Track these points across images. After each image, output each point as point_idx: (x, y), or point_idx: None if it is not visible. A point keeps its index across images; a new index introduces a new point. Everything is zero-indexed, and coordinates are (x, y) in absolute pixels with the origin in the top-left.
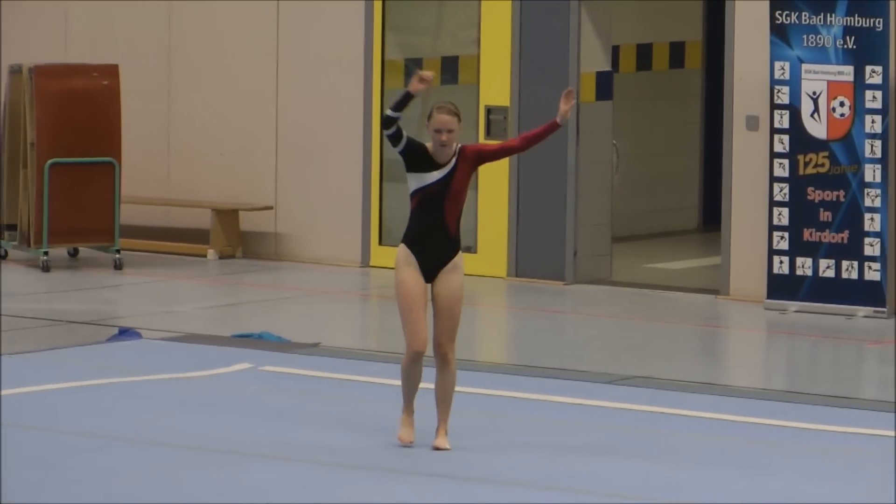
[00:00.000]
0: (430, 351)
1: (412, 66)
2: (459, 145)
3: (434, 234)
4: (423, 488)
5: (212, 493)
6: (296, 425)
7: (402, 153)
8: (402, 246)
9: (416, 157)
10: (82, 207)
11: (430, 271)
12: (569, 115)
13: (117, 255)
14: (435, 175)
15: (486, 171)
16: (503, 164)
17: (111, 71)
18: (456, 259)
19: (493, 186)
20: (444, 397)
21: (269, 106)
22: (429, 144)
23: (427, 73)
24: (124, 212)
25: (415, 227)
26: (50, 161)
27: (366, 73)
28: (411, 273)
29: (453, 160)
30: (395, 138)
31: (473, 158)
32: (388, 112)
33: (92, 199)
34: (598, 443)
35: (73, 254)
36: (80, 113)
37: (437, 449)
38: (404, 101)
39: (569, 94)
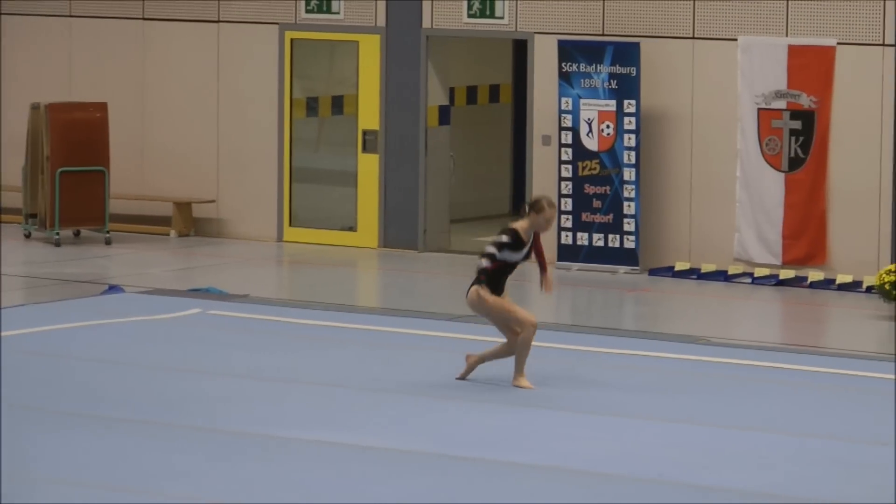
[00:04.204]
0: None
1: (311, 102)
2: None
3: (504, 284)
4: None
5: (175, 400)
6: (234, 350)
7: (514, 250)
8: (487, 290)
9: (517, 245)
10: (82, 201)
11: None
12: (549, 284)
13: (107, 235)
14: (522, 252)
15: (363, 171)
16: (374, 168)
17: (102, 107)
18: None
19: (368, 183)
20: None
21: (211, 128)
22: (518, 225)
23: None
24: (112, 204)
25: (497, 281)
26: (60, 169)
27: (279, 106)
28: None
29: (530, 241)
30: (514, 257)
31: (535, 242)
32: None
33: (89, 195)
34: (440, 360)
35: (77, 234)
36: (80, 136)
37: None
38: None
39: (549, 287)
